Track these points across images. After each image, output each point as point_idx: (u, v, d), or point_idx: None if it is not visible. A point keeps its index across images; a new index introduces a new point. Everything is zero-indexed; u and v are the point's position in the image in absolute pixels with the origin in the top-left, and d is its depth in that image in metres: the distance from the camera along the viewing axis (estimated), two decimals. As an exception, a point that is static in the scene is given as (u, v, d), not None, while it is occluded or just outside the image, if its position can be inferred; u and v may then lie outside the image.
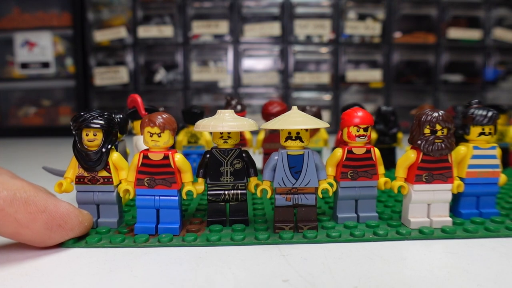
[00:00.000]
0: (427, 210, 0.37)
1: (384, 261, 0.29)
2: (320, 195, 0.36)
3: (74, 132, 0.35)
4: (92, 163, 0.35)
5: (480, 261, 0.30)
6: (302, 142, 0.35)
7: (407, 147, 0.39)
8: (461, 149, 0.39)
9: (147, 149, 0.35)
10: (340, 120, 0.38)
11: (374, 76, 1.43)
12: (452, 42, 1.42)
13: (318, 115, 0.59)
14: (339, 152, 0.37)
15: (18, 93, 1.49)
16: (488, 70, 1.45)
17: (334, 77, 1.44)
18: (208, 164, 0.36)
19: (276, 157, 0.35)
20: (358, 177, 0.37)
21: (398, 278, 0.27)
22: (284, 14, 1.40)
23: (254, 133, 0.56)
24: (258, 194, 0.36)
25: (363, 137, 0.36)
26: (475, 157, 0.38)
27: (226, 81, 1.43)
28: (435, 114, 0.35)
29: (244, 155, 0.37)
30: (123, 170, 0.36)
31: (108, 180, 0.36)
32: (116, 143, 0.40)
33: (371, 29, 1.40)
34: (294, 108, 0.36)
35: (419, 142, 0.35)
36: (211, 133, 0.41)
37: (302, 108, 0.57)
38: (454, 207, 0.40)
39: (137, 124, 0.49)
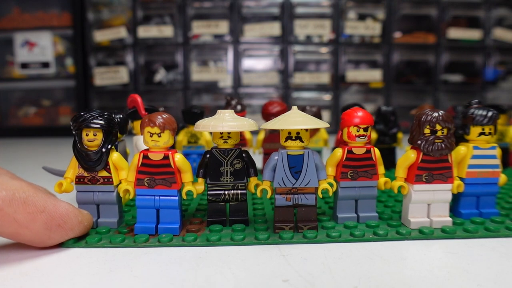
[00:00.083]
0: (427, 210, 0.37)
1: (384, 261, 0.29)
2: (320, 195, 0.36)
3: (74, 132, 0.35)
4: (92, 163, 0.35)
5: (480, 261, 0.30)
6: (302, 142, 0.35)
7: (407, 147, 0.39)
8: (461, 149, 0.39)
9: (147, 149, 0.35)
10: (340, 120, 0.38)
11: (374, 76, 1.43)
12: (452, 42, 1.42)
13: (318, 115, 0.59)
14: (339, 152, 0.37)
15: (18, 93, 1.49)
16: (488, 70, 1.45)
17: (334, 77, 1.44)
18: (208, 164, 0.36)
19: (276, 157, 0.35)
20: (358, 177, 0.37)
21: (398, 278, 0.27)
22: (284, 14, 1.40)
23: (254, 133, 0.56)
24: (258, 194, 0.36)
25: (363, 137, 0.36)
26: (475, 157, 0.38)
27: (226, 81, 1.43)
28: (435, 114, 0.35)
29: (244, 155, 0.37)
30: (123, 170, 0.36)
31: (108, 180, 0.36)
32: (116, 143, 0.40)
33: (371, 29, 1.40)
34: (294, 108, 0.36)
35: (419, 142, 0.35)
36: (211, 133, 0.41)
37: (302, 108, 0.57)
38: (454, 207, 0.40)
39: (137, 124, 0.49)
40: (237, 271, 0.28)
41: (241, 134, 0.59)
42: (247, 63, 1.45)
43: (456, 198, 0.39)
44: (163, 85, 1.44)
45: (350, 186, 0.37)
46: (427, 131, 0.35)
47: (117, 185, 0.36)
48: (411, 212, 0.37)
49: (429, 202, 0.37)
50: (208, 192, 0.37)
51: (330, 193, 0.36)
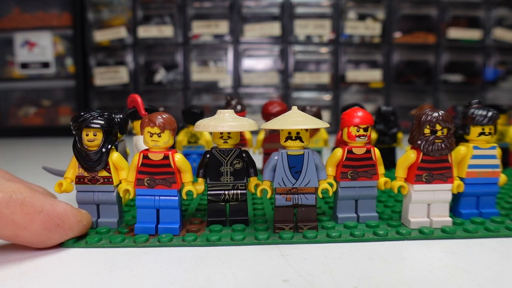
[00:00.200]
0: (427, 210, 0.37)
1: (384, 261, 0.29)
2: (320, 195, 0.36)
3: (74, 132, 0.35)
4: (92, 163, 0.35)
5: (480, 261, 0.30)
6: (302, 142, 0.35)
7: (407, 147, 0.39)
8: (461, 149, 0.39)
9: (147, 149, 0.35)
10: (340, 120, 0.38)
11: (374, 76, 1.43)
12: (452, 42, 1.42)
13: (318, 115, 0.59)
14: (339, 152, 0.37)
15: (18, 93, 1.49)
16: (488, 70, 1.45)
17: (334, 77, 1.44)
18: (208, 164, 0.36)
19: (276, 157, 0.35)
20: (358, 177, 0.37)
21: (398, 278, 0.27)
22: (284, 14, 1.40)
23: (254, 133, 0.56)
24: (258, 194, 0.36)
25: (363, 137, 0.36)
26: (475, 157, 0.38)
27: (226, 81, 1.43)
28: (435, 114, 0.35)
29: (244, 155, 0.37)
30: (123, 170, 0.36)
31: (108, 180, 0.36)
32: (116, 143, 0.40)
33: (371, 29, 1.40)
34: (294, 108, 0.36)
35: (419, 142, 0.35)
36: (211, 133, 0.41)
37: (302, 108, 0.57)
38: (454, 207, 0.40)
39: (137, 124, 0.49)
40: (237, 271, 0.28)
41: (241, 134, 0.59)
42: (247, 63, 1.45)
43: (456, 198, 0.39)
44: (163, 85, 1.44)
45: (350, 186, 0.37)
46: (427, 131, 0.35)
47: (117, 185, 0.36)
48: (411, 212, 0.37)
49: (429, 202, 0.37)
50: (208, 192, 0.37)
51: (330, 193, 0.36)
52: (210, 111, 1.34)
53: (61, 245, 0.32)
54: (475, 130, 0.38)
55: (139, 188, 0.35)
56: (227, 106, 0.59)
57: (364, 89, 1.46)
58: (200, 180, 0.37)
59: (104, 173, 0.35)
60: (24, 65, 1.42)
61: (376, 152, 0.37)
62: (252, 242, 0.33)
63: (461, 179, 0.38)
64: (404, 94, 1.46)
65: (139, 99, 0.49)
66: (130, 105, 0.50)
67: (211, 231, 0.35)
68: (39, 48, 1.41)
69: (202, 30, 1.39)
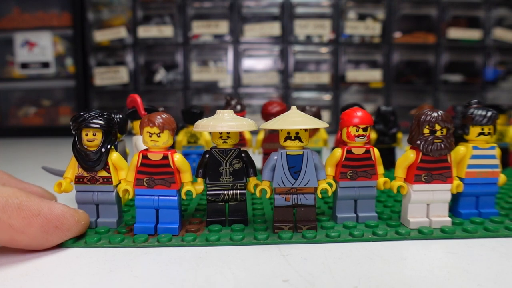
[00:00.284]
0: (427, 210, 0.37)
1: (384, 261, 0.29)
2: (319, 195, 0.36)
3: (73, 132, 0.35)
4: (92, 163, 0.35)
5: (480, 261, 0.30)
6: (301, 142, 0.35)
7: (406, 147, 0.39)
8: (461, 149, 0.39)
9: (147, 149, 0.35)
10: (340, 120, 0.38)
11: (374, 76, 1.43)
12: (452, 42, 1.42)
13: (317, 115, 0.59)
14: (338, 152, 0.37)
15: (18, 93, 1.49)
16: (488, 70, 1.45)
17: (334, 77, 1.44)
18: (208, 164, 0.36)
19: (275, 157, 0.35)
20: (357, 177, 0.37)
21: (398, 278, 0.27)
22: (284, 14, 1.40)
23: (254, 133, 0.56)
24: (258, 194, 0.36)
25: (363, 137, 0.36)
26: (474, 157, 0.38)
27: (226, 81, 1.43)
28: (434, 114, 0.35)
29: (243, 155, 0.37)
30: (122, 170, 0.36)
31: (107, 180, 0.36)
32: (116, 143, 0.40)
33: (371, 29, 1.40)
34: (293, 108, 0.36)
35: (418, 142, 0.35)
36: (210, 133, 0.41)
37: (302, 108, 0.57)
38: (454, 207, 0.40)
39: (136, 124, 0.49)
40: (237, 271, 0.28)
41: (240, 134, 0.59)
42: (247, 63, 1.45)
43: (456, 198, 0.39)
44: (163, 85, 1.44)
45: (350, 186, 0.37)
46: (426, 131, 0.35)
47: (117, 185, 0.36)
48: (410, 212, 0.37)
49: (428, 202, 0.37)
50: (208, 192, 0.37)
51: (329, 193, 0.36)
52: (210, 111, 1.34)
53: (61, 245, 0.32)
54: (474, 130, 0.38)
55: (138, 188, 0.35)
56: (226, 106, 0.59)
57: (364, 89, 1.46)
58: (200, 180, 0.37)
59: (103, 173, 0.35)
60: (24, 65, 1.43)
61: (376, 152, 0.37)
62: (252, 242, 0.33)
63: (461, 179, 0.38)
64: (404, 94, 1.46)
65: (138, 99, 0.49)
66: (129, 105, 0.50)
67: (210, 231, 0.35)
68: (39, 48, 1.41)
69: (202, 30, 1.39)
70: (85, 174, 0.36)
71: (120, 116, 0.45)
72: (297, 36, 1.41)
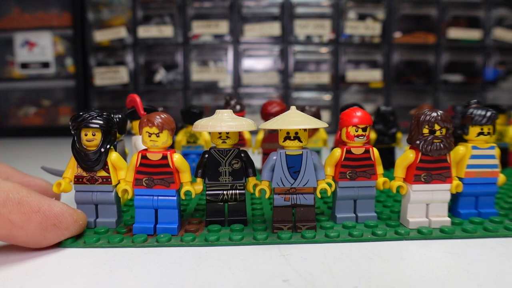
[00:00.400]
0: (426, 210, 0.37)
1: (384, 261, 0.29)
2: (319, 195, 0.36)
3: (72, 132, 0.35)
4: (91, 163, 0.35)
5: (480, 261, 0.30)
6: (301, 142, 0.35)
7: (406, 147, 0.39)
8: (460, 149, 0.38)
9: (146, 149, 0.35)
10: (339, 120, 0.38)
11: (374, 76, 1.43)
12: (452, 42, 1.42)
13: (317, 115, 0.59)
14: (337, 152, 0.37)
15: (18, 93, 1.49)
16: (488, 70, 1.44)
17: (334, 77, 1.44)
18: (207, 164, 0.36)
19: (274, 157, 0.35)
20: (356, 177, 0.37)
21: (398, 278, 0.27)
22: (284, 14, 1.40)
23: (254, 133, 0.56)
24: (257, 194, 0.36)
25: (362, 137, 0.36)
26: (474, 157, 0.38)
27: (226, 81, 1.43)
28: (434, 114, 0.35)
29: (242, 155, 0.37)
30: (121, 170, 0.36)
31: (106, 180, 0.36)
32: (115, 143, 0.40)
33: (371, 29, 1.40)
34: (293, 108, 0.36)
35: (417, 142, 0.35)
36: (210, 133, 0.41)
37: (301, 108, 0.56)
38: (453, 207, 0.40)
39: (136, 124, 0.49)
40: (237, 271, 0.28)
41: (240, 134, 0.59)
42: (247, 63, 1.45)
43: (455, 198, 0.39)
44: (163, 85, 1.44)
45: (349, 186, 0.37)
46: (425, 131, 0.35)
47: (116, 185, 0.36)
48: (409, 212, 0.37)
49: (427, 202, 0.37)
50: (207, 192, 0.37)
51: (329, 193, 0.36)
52: (210, 111, 1.34)
53: (59, 245, 0.32)
54: (474, 130, 0.38)
55: (137, 188, 0.35)
56: (226, 106, 0.59)
57: (364, 89, 1.46)
58: (199, 180, 0.37)
59: (102, 173, 0.35)
60: (24, 65, 1.43)
61: (375, 152, 0.37)
62: (251, 242, 0.33)
63: (460, 179, 0.38)
64: (404, 94, 1.46)
65: (138, 99, 0.49)
66: (129, 105, 0.50)
67: (209, 231, 0.35)
68: (39, 48, 1.42)
69: (202, 30, 1.39)
70: (84, 174, 0.35)
71: (120, 116, 0.45)
72: (297, 36, 1.41)
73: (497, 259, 0.30)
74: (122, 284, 0.26)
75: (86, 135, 0.34)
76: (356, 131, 0.36)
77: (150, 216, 0.35)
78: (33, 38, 1.41)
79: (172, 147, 0.42)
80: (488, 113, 0.37)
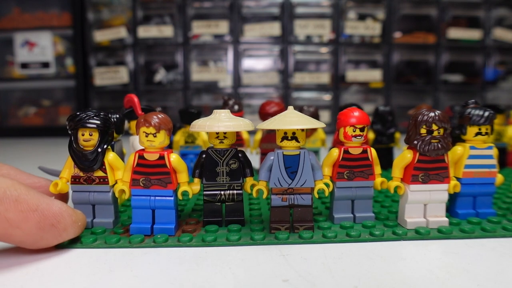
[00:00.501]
0: (424, 210, 0.37)
1: (384, 261, 0.29)
2: (316, 195, 0.36)
3: (70, 132, 0.35)
4: (88, 163, 0.34)
5: (480, 261, 0.30)
6: (298, 142, 0.34)
7: (404, 147, 0.38)
8: (458, 149, 0.38)
9: (143, 149, 0.35)
10: (337, 120, 0.38)
11: (374, 76, 1.43)
12: (452, 42, 1.42)
13: (315, 115, 0.59)
14: (335, 152, 0.37)
15: (18, 93, 1.49)
16: (488, 70, 1.44)
17: (334, 77, 1.44)
18: (204, 164, 0.36)
19: (272, 157, 0.35)
20: (354, 177, 0.37)
21: (398, 278, 0.27)
22: (284, 14, 1.40)
23: (252, 133, 0.56)
24: (254, 194, 0.36)
25: (360, 137, 0.36)
26: (471, 157, 0.38)
27: (226, 81, 1.43)
28: (432, 114, 0.35)
29: (240, 155, 0.37)
30: (119, 170, 0.36)
31: (103, 180, 0.35)
32: (113, 143, 0.40)
33: (371, 29, 1.40)
34: (290, 108, 0.36)
35: (415, 142, 0.35)
36: (207, 133, 0.41)
37: (300, 108, 0.56)
38: (451, 207, 0.40)
39: (133, 124, 0.49)
40: (237, 271, 0.28)
41: (238, 134, 0.59)
42: (247, 63, 1.45)
43: (453, 198, 0.39)
44: (163, 85, 1.44)
45: (347, 186, 0.37)
46: (423, 131, 0.35)
47: (113, 185, 0.36)
48: (407, 212, 0.37)
49: (425, 202, 0.37)
50: (204, 192, 0.37)
51: (326, 194, 0.36)
52: (209, 111, 1.34)
53: (57, 245, 0.32)
54: (471, 130, 0.38)
55: (134, 188, 0.35)
56: (224, 106, 0.59)
57: (364, 89, 1.46)
58: (196, 180, 0.37)
59: (100, 173, 0.35)
60: (24, 65, 1.43)
61: (373, 152, 0.37)
62: (248, 243, 0.33)
63: (458, 179, 0.38)
64: (404, 94, 1.46)
65: (135, 99, 0.49)
66: (126, 105, 0.50)
67: (207, 231, 0.35)
68: (39, 48, 1.42)
69: (202, 30, 1.39)
70: (81, 174, 0.35)
71: (117, 116, 0.45)
72: (297, 36, 1.41)
73: (497, 259, 0.30)
74: (122, 284, 0.26)
75: (83, 135, 0.34)
76: (354, 131, 0.36)
77: (147, 216, 0.35)
78: (33, 38, 1.41)
79: (170, 147, 0.42)
80: (486, 113, 0.37)
